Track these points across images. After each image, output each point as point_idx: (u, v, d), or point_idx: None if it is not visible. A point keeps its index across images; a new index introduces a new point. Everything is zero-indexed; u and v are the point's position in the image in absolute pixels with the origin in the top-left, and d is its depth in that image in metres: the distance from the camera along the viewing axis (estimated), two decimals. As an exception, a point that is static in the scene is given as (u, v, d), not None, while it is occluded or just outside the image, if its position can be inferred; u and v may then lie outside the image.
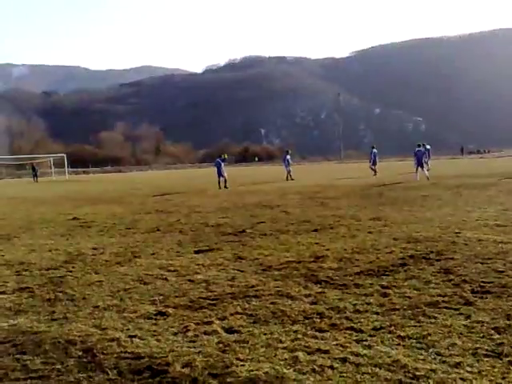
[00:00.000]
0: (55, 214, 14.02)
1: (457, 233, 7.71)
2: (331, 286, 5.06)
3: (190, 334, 3.85)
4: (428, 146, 27.44)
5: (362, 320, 3.97)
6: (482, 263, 5.65)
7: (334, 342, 3.54)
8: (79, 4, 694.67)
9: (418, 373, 2.98)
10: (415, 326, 3.77)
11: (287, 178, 26.73)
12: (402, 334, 3.62)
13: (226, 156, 25.14)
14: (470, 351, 3.27)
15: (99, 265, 6.66)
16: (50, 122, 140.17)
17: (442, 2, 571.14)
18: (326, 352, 3.37)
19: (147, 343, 3.68)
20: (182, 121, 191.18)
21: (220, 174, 22.37)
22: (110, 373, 3.19)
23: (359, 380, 2.95)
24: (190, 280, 5.57)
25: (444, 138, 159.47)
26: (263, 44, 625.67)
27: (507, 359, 3.12)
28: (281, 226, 9.53)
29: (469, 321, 3.84)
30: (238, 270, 5.94)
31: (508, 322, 3.75)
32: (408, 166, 25.20)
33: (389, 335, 3.61)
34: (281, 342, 3.59)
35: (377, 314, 4.11)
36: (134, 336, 3.83)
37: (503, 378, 2.89)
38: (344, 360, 3.22)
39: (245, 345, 3.56)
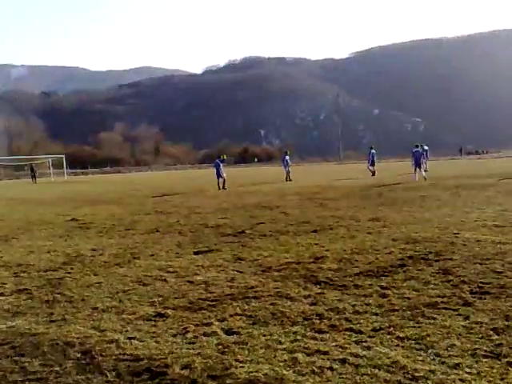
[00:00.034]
0: (54, 215, 14.00)
1: (455, 233, 7.72)
2: (331, 286, 5.07)
3: (189, 335, 3.84)
4: (426, 147, 27.47)
5: (362, 321, 3.97)
6: (480, 264, 5.66)
7: (334, 343, 3.54)
8: (78, 4, 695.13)
9: (417, 374, 2.99)
10: (414, 327, 3.77)
11: (286, 178, 26.80)
12: (401, 334, 3.63)
13: (225, 157, 25.15)
14: (469, 352, 3.27)
15: (98, 266, 6.66)
16: (49, 123, 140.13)
17: (441, 3, 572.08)
18: (326, 353, 3.37)
19: (146, 345, 3.67)
20: (182, 121, 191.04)
21: (219, 174, 22.37)
22: (108, 375, 3.18)
23: (358, 381, 2.95)
24: (189, 281, 5.56)
25: (443, 138, 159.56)
26: (263, 45, 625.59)
27: (506, 360, 3.13)
28: (280, 226, 9.53)
29: (467, 321, 3.84)
30: (237, 271, 5.94)
31: (506, 323, 3.75)
32: (407, 166, 25.22)
33: (388, 336, 3.62)
34: (280, 343, 3.59)
35: (376, 314, 4.12)
36: (133, 338, 3.83)
37: (502, 379, 2.90)
38: (343, 361, 3.22)
39: (244, 346, 3.56)
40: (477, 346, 3.35)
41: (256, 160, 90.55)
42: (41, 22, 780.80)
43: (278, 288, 5.08)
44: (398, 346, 3.44)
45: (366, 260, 6.20)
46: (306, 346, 3.51)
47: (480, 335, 3.55)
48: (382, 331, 3.72)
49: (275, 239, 8.15)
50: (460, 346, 3.37)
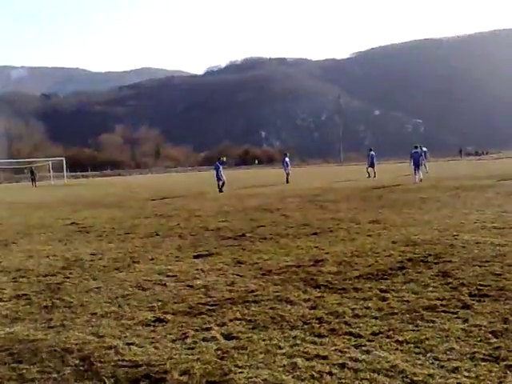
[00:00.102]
0: (53, 218, 13.99)
1: (455, 235, 7.72)
2: (330, 290, 5.06)
3: (188, 340, 3.84)
4: (424, 149, 27.47)
5: (361, 325, 3.96)
6: (479, 266, 5.66)
7: (333, 348, 3.53)
8: (78, 5, 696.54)
9: (415, 378, 2.98)
10: (413, 331, 3.77)
11: (287, 180, 26.83)
12: (401, 338, 3.62)
13: (225, 159, 25.16)
14: (468, 355, 3.27)
15: (97, 271, 6.65)
16: (49, 125, 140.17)
17: (441, 3, 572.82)
18: (325, 358, 3.36)
19: (145, 351, 3.66)
20: (182, 123, 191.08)
21: (218, 177, 22.37)
22: (107, 381, 3.18)
23: (357, 386, 2.94)
24: (189, 285, 5.56)
25: (443, 139, 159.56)
26: (264, 45, 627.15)
27: (504, 363, 3.13)
28: (280, 229, 9.53)
29: (466, 324, 3.84)
30: (237, 275, 5.94)
31: (505, 326, 3.75)
32: (407, 167, 25.22)
33: (387, 340, 3.62)
34: (280, 347, 3.58)
35: (375, 318, 4.11)
36: (132, 343, 3.82)
37: (500, 383, 2.90)
38: (343, 366, 3.22)
39: (243, 351, 3.55)
40: (475, 350, 3.35)
41: (256, 162, 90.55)
42: (40, 23, 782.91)
43: (277, 292, 5.08)
44: (397, 349, 3.44)
45: (365, 263, 6.20)
46: (305, 350, 3.51)
47: (479, 338, 3.55)
48: (381, 335, 3.72)
49: (275, 242, 8.15)
50: (459, 350, 3.36)
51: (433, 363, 3.19)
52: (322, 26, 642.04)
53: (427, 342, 3.52)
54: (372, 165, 27.51)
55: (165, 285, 5.65)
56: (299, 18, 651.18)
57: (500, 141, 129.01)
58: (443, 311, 4.18)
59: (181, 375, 3.20)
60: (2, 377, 3.34)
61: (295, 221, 10.64)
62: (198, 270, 6.35)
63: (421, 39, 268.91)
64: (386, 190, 18.21)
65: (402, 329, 3.82)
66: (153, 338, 3.94)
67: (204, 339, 3.84)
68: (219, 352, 3.57)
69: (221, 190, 21.80)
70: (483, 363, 3.15)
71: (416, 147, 22.37)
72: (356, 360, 3.29)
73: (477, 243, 6.97)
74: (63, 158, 56.70)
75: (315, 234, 8.78)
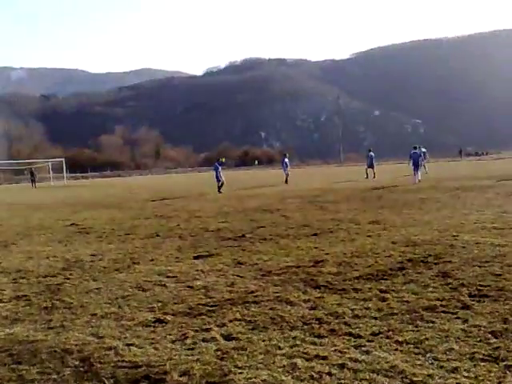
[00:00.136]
0: (53, 219, 13.99)
1: (455, 236, 7.72)
2: (330, 290, 5.06)
3: (188, 341, 3.84)
4: (424, 149, 27.50)
5: (361, 325, 3.96)
6: (479, 266, 5.66)
7: (333, 348, 3.53)
8: (77, 6, 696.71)
9: (415, 378, 2.98)
10: (413, 331, 3.77)
11: (286, 181, 26.84)
12: (400, 339, 3.62)
13: (224, 159, 25.17)
14: (467, 356, 3.27)
15: (97, 272, 6.65)
16: (48, 126, 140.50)
17: (441, 4, 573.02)
18: (325, 358, 3.36)
19: (145, 351, 3.66)
20: (182, 124, 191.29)
21: (217, 177, 22.38)
22: (106, 382, 3.17)
23: (357, 387, 2.95)
24: (189, 286, 5.55)
25: (443, 140, 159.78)
26: (263, 46, 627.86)
27: (504, 363, 3.13)
28: (280, 230, 9.53)
29: (466, 325, 3.84)
30: (237, 276, 5.94)
31: (505, 326, 3.75)
32: (406, 168, 25.22)
33: (387, 340, 3.61)
34: (279, 348, 3.58)
35: (375, 318, 4.11)
36: (132, 344, 3.82)
37: (499, 383, 2.90)
38: (342, 366, 3.22)
39: (243, 352, 3.55)
40: (475, 350, 3.35)
41: (256, 163, 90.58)
42: (40, 24, 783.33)
43: (277, 292, 5.08)
44: (396, 350, 3.44)
45: (365, 263, 6.20)
46: (305, 351, 3.51)
47: (478, 339, 3.55)
48: (380, 335, 3.72)
49: (275, 243, 8.15)
50: (458, 350, 3.36)
51: (432, 363, 3.19)
52: (321, 26, 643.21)
53: (427, 343, 3.52)
54: (371, 165, 27.52)
55: (165, 285, 5.65)
56: (298, 18, 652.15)
57: (500, 141, 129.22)
58: (443, 311, 4.18)
59: (180, 376, 3.20)
60: (2, 378, 3.34)
61: (295, 221, 10.65)
62: (197, 270, 6.35)
63: (420, 40, 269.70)
64: (386, 190, 18.21)
65: (402, 329, 3.82)
66: (153, 338, 3.94)
67: (204, 340, 3.84)
68: (219, 353, 3.57)
69: (219, 191, 21.80)
70: (483, 363, 3.15)
71: (415, 148, 22.39)
72: (356, 360, 3.29)
73: (477, 243, 6.97)
74: (63, 159, 56.76)
75: (315, 234, 8.78)
